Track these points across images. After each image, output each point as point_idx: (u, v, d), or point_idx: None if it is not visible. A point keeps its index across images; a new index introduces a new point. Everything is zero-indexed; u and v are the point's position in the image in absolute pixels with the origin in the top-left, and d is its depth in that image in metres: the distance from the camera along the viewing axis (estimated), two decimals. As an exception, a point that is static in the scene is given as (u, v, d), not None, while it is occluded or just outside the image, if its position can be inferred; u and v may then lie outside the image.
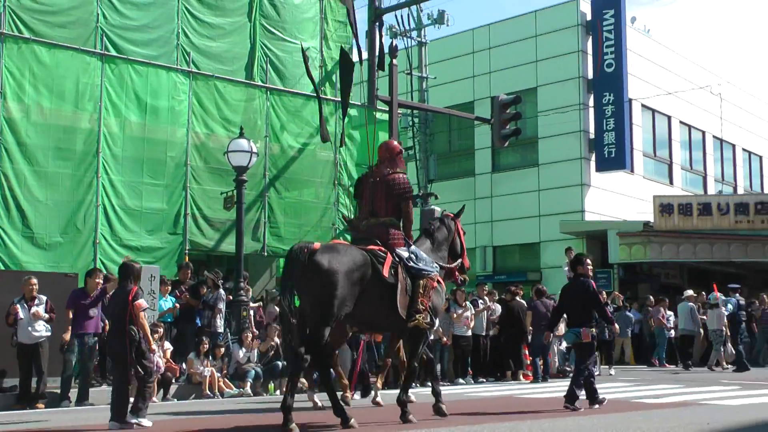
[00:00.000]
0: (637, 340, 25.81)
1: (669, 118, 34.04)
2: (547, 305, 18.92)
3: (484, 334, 19.17)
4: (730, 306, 22.70)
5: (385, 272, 9.26)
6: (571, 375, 19.25)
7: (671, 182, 33.98)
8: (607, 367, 20.86)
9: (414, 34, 27.10)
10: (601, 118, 30.18)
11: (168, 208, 19.30)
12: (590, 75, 30.63)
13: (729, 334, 23.17)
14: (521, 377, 18.84)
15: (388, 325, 10.09)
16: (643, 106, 32.30)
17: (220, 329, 16.56)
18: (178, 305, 16.50)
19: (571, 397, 11.18)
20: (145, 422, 9.68)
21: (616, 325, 11.85)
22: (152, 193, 19.12)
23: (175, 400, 14.83)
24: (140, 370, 9.80)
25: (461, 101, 31.71)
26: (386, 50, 19.86)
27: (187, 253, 19.32)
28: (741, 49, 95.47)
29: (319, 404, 11.87)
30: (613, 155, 29.92)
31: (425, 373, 17.20)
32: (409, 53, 25.75)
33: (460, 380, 18.26)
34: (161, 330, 15.12)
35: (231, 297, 17.63)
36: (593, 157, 30.36)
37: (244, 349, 16.22)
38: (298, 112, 22.06)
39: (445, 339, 18.05)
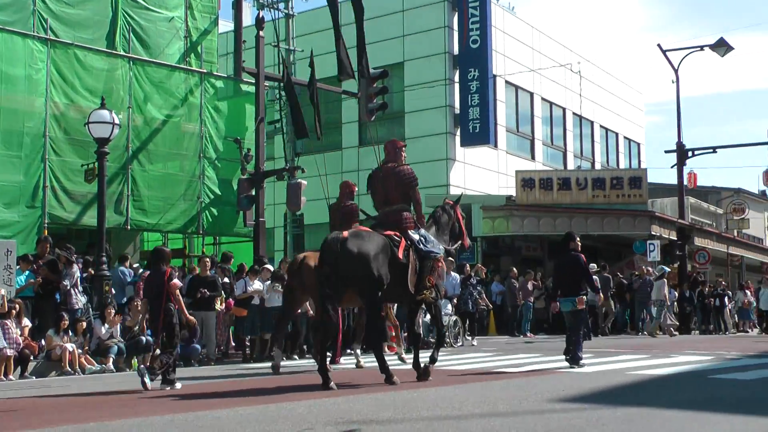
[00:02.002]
0: (499, 312, 26.53)
1: (531, 94, 34.89)
2: (412, 278, 19.13)
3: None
4: None
5: (400, 255, 10.80)
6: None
7: (533, 157, 34.89)
8: (470, 338, 21.37)
9: (281, 5, 26.80)
10: (466, 94, 30.66)
11: (26, 180, 18.68)
12: (456, 51, 31.07)
13: (669, 304, 25.43)
14: (386, 349, 19.06)
15: (399, 299, 11.92)
16: (506, 82, 33.00)
17: (77, 305, 16.12)
18: (40, 279, 16.01)
19: (574, 359, 12.78)
20: (148, 382, 10.81)
21: (601, 294, 13.03)
22: (9, 165, 18.46)
23: (34, 377, 14.44)
24: (167, 341, 11.19)
25: (328, 74, 31.55)
26: (253, 22, 19.61)
27: (46, 227, 18.76)
28: (599, 28, 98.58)
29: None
30: (477, 130, 30.47)
31: (292, 345, 17.43)
32: (276, 25, 25.45)
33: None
34: (18, 306, 14.71)
35: (93, 271, 17.23)
36: (458, 132, 30.87)
37: (106, 325, 15.88)
38: (163, 83, 21.62)
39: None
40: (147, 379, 10.85)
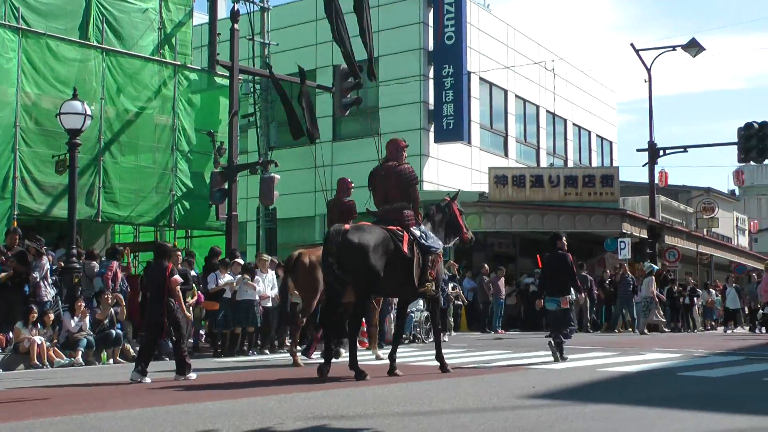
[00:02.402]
0: (471, 308, 26.61)
1: (505, 91, 35.00)
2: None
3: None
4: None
5: (405, 248, 11.16)
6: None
7: (506, 154, 35.00)
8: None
9: (257, -1, 26.75)
10: (441, 90, 30.73)
11: (-5, 171, 18.49)
12: (431, 47, 31.11)
13: (658, 301, 25.88)
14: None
15: (402, 292, 12.03)
16: (481, 79, 33.08)
17: (46, 298, 15.97)
18: (12, 272, 15.85)
19: (559, 345, 13.13)
20: (192, 375, 11.36)
21: (583, 295, 13.26)
22: (-23, 155, 18.28)
23: (1, 370, 14.31)
24: (174, 336, 11.49)
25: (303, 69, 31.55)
26: (228, 15, 19.54)
27: (15, 218, 18.57)
28: (572, 27, 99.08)
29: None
30: (451, 127, 30.56)
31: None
32: (252, 18, 25.39)
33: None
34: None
35: (63, 264, 17.09)
36: (432, 128, 30.92)
37: (76, 318, 15.75)
38: (136, 75, 21.45)
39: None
40: (189, 375, 11.34)
